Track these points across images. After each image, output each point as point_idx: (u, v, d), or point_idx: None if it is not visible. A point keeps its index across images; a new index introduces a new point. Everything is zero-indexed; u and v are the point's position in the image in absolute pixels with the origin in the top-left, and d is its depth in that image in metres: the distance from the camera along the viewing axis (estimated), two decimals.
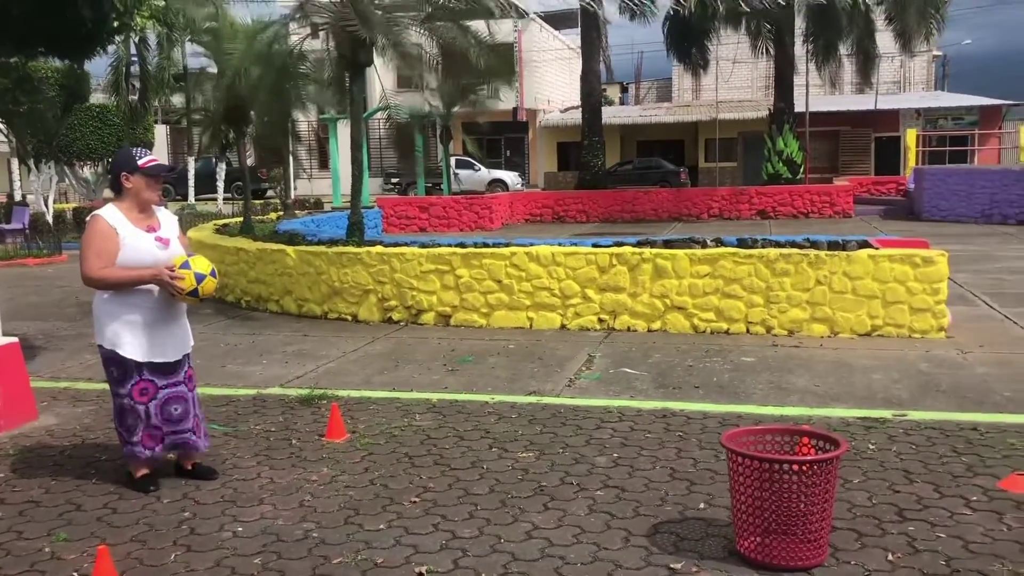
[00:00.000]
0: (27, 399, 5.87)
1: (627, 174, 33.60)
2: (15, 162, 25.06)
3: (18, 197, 24.83)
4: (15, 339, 5.90)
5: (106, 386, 6.67)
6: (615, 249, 9.01)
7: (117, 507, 4.29)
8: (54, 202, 24.35)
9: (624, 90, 57.21)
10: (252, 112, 14.32)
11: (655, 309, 8.72)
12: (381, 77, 16.73)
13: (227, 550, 3.77)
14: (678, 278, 8.67)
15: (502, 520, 4.04)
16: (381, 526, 3.99)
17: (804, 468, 3.42)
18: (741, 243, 9.14)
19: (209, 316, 9.80)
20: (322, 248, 10.04)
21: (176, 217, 4.72)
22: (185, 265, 4.35)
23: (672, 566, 3.54)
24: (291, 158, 22.85)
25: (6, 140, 24.21)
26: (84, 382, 6.99)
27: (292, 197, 24.21)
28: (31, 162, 23.23)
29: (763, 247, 8.84)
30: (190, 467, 4.67)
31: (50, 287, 13.20)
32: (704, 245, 9.08)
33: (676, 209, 23.01)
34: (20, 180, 25.52)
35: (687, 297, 8.64)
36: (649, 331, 8.67)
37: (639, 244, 9.50)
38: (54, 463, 4.97)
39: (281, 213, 20.85)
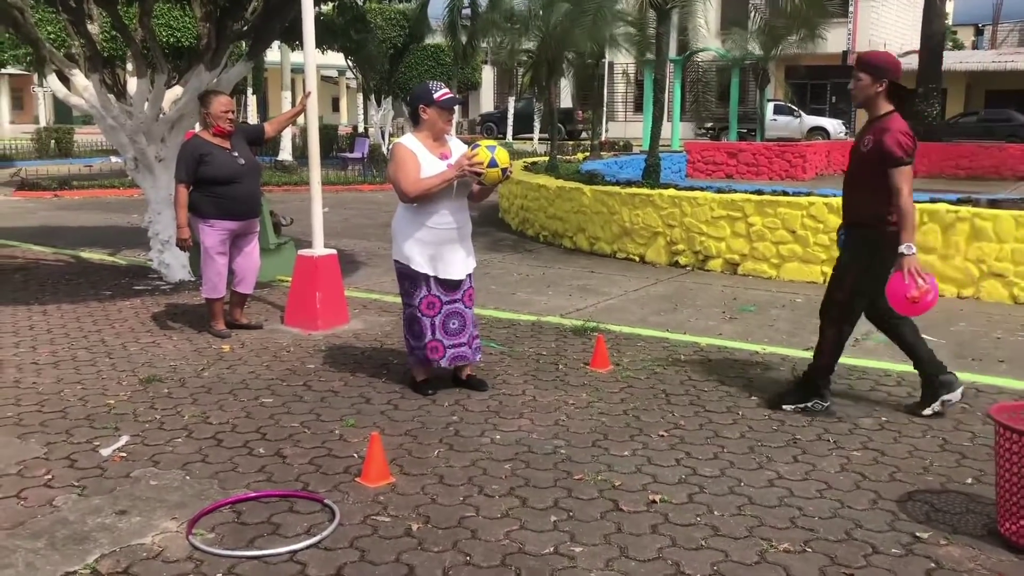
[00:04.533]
0: (341, 305, 6.68)
1: (969, 127, 30.21)
2: (361, 97, 27.79)
3: (361, 129, 27.58)
4: (334, 251, 6.69)
5: None
6: (928, 206, 8.29)
7: (398, 404, 4.82)
8: (390, 135, 26.78)
9: (979, 32, 51.33)
10: (564, 53, 14.69)
11: (968, 274, 7.96)
12: (704, 17, 16.43)
13: (483, 453, 4.12)
14: (999, 242, 7.83)
15: (746, 465, 4.01)
16: (625, 453, 4.14)
17: None
18: None
19: (508, 248, 10.42)
20: (616, 188, 10.23)
21: (465, 145, 5.08)
22: (475, 146, 4.74)
23: (919, 535, 3.34)
24: (604, 100, 23.20)
25: (355, 77, 26.89)
26: (392, 296, 7.75)
27: (603, 138, 24.63)
28: (372, 97, 25.62)
29: None
30: (464, 377, 5.11)
31: (378, 211, 14.65)
32: None
33: (1022, 168, 20.48)
34: (363, 113, 28.27)
35: (1008, 264, 7.79)
36: (959, 297, 7.94)
37: (958, 202, 8.66)
38: (354, 361, 5.65)
39: (587, 154, 21.32)
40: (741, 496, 3.68)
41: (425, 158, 4.78)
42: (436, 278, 4.85)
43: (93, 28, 8.03)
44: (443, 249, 4.85)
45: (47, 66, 7.94)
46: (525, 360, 5.70)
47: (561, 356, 5.79)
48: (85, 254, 9.89)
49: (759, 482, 3.83)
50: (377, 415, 4.64)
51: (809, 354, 5.88)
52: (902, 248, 4.26)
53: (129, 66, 8.47)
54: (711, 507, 3.57)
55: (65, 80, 8.39)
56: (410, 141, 4.85)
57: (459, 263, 4.92)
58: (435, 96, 4.79)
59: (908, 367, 5.61)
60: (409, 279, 4.89)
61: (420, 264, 4.82)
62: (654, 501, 3.61)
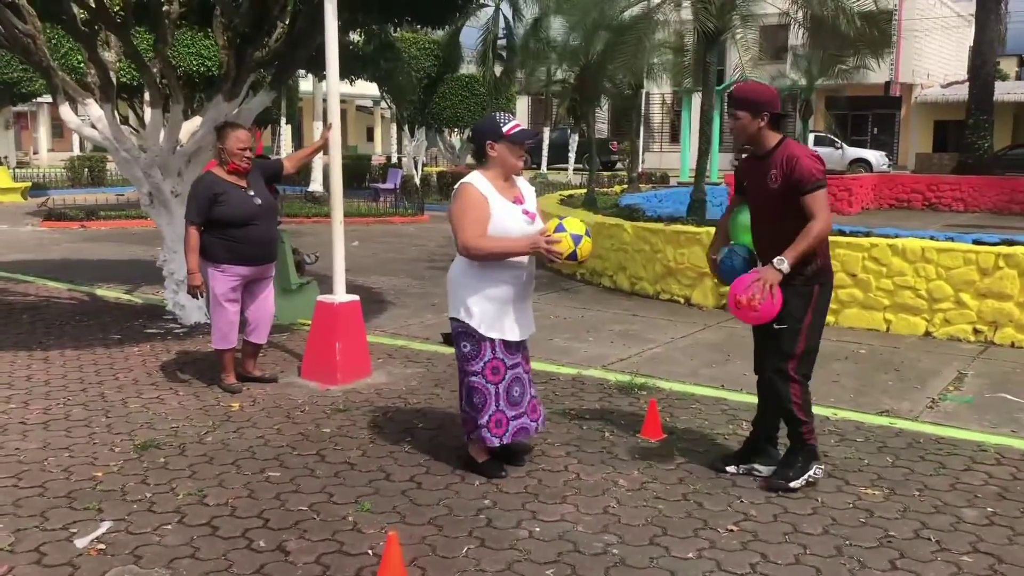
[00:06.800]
0: (363, 356, 6.10)
1: (1019, 159, 29.21)
2: (395, 127, 27.49)
3: (394, 160, 27.26)
4: (356, 298, 6.13)
5: (437, 348, 6.92)
6: (1003, 248, 7.58)
7: (423, 482, 4.21)
8: (423, 165, 26.43)
9: (1022, 63, 50.33)
10: (603, 82, 14.18)
11: None
12: (740, 47, 15.88)
13: (520, 552, 3.49)
14: None
15: (836, 573, 3.35)
16: (690, 554, 3.49)
17: None
18: None
19: (544, 287, 9.81)
20: (660, 225, 9.61)
21: (534, 189, 4.45)
22: (560, 228, 4.01)
23: None
24: (641, 130, 22.67)
25: (388, 107, 26.60)
26: (419, 342, 7.20)
27: (639, 170, 24.08)
28: (406, 127, 25.29)
29: None
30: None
31: (408, 245, 14.15)
32: None
33: None
34: (397, 143, 27.97)
35: None
36: None
37: None
38: (375, 424, 5.06)
39: (626, 186, 20.75)
40: None
41: (497, 203, 4.09)
42: (503, 340, 4.20)
43: (109, 55, 7.61)
44: (511, 306, 4.18)
45: (59, 95, 7.51)
46: (566, 426, 5.07)
47: (607, 420, 5.16)
48: (100, 291, 9.44)
49: None
50: (398, 496, 4.03)
51: (886, 420, 5.23)
52: (777, 261, 3.85)
53: (147, 96, 8.00)
54: None
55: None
56: (480, 182, 4.13)
57: (524, 322, 4.28)
58: (504, 130, 4.12)
59: (1005, 439, 4.94)
60: (470, 339, 4.19)
61: (486, 324, 4.13)
62: None
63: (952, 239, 8.20)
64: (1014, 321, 7.36)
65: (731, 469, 4.32)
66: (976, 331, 7.51)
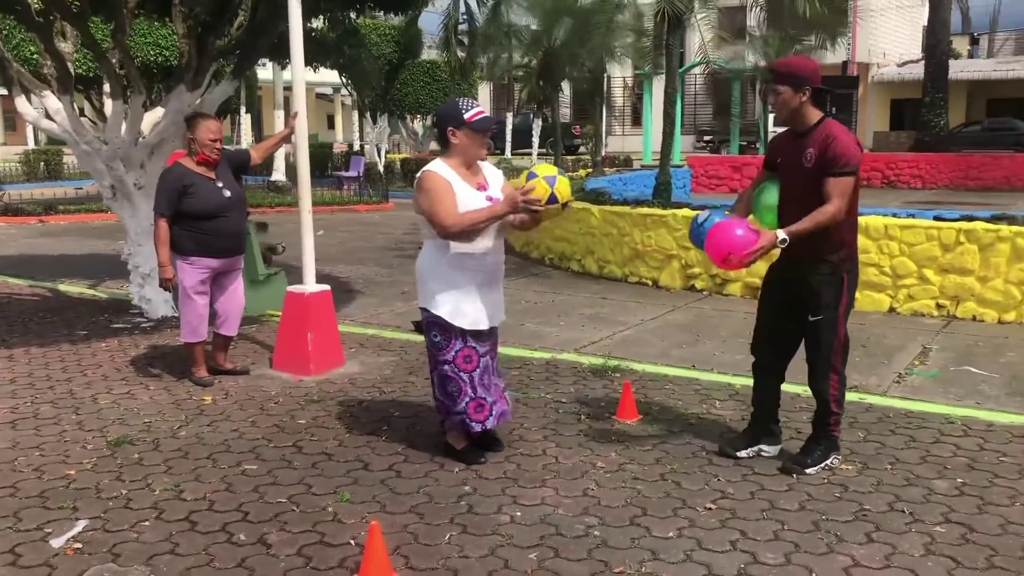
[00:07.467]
0: (335, 346, 6.07)
1: (973, 136, 29.67)
2: (356, 114, 27.25)
3: (356, 147, 27.05)
4: (327, 287, 6.09)
5: (409, 336, 6.89)
6: (964, 224, 7.73)
7: (401, 470, 4.20)
8: (386, 152, 26.24)
9: (975, 42, 51.02)
10: (566, 67, 14.17)
11: (1010, 297, 7.39)
12: (701, 29, 15.93)
13: (502, 537, 3.50)
14: None
15: (814, 548, 3.41)
16: (670, 533, 3.53)
17: None
18: None
19: (513, 272, 9.80)
20: (627, 208, 9.66)
21: (501, 172, 4.39)
22: (532, 175, 3.96)
23: None
24: (603, 114, 22.70)
25: (349, 94, 26.37)
26: (391, 331, 7.17)
27: (603, 154, 24.10)
28: (368, 114, 25.08)
29: None
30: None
31: (375, 233, 14.06)
32: None
33: None
34: (359, 131, 27.75)
35: None
36: (1000, 323, 7.38)
37: (994, 219, 8.10)
38: (351, 414, 5.04)
39: (590, 170, 20.80)
40: None
41: (461, 189, 4.05)
42: (473, 329, 4.15)
43: (66, 46, 7.45)
44: (480, 294, 4.15)
45: (15, 87, 7.34)
46: (543, 410, 5.08)
47: (582, 403, 5.18)
48: (63, 287, 9.28)
49: (833, 572, 3.22)
50: (377, 485, 4.02)
51: (856, 396, 5.30)
52: (781, 233, 3.83)
53: (106, 87, 7.85)
54: None
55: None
56: (442, 169, 4.09)
57: (494, 311, 4.25)
58: (466, 116, 4.06)
59: (970, 411, 5.04)
60: (441, 329, 4.16)
61: (456, 314, 4.10)
62: None
63: (914, 216, 8.33)
64: (975, 295, 7.51)
65: (742, 454, 4.29)
66: (939, 306, 7.65)
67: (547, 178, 3.93)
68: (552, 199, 3.91)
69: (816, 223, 3.82)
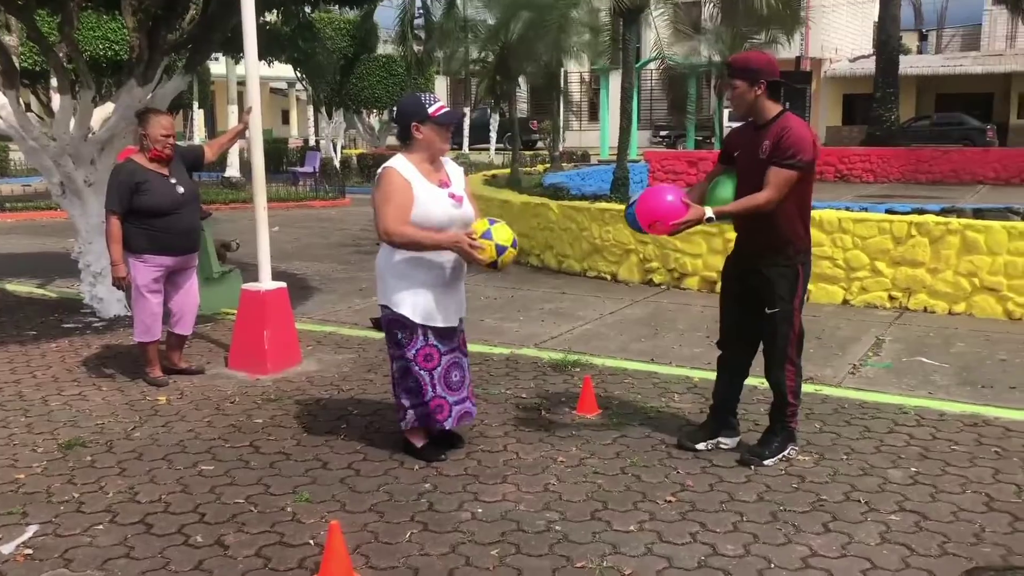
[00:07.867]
0: (292, 344, 6.00)
1: (922, 131, 30.23)
2: (311, 109, 26.98)
3: (312, 142, 26.78)
4: (283, 284, 6.02)
5: (367, 334, 6.85)
6: (915, 217, 7.87)
7: (361, 468, 4.17)
8: (343, 148, 26.02)
9: (923, 37, 51.99)
10: (523, 62, 14.17)
11: (960, 289, 7.54)
12: (657, 25, 16.03)
13: (464, 534, 3.49)
14: (991, 254, 7.42)
15: (772, 539, 3.44)
16: (631, 527, 3.54)
17: None
18: None
19: (472, 267, 9.79)
20: (585, 204, 9.68)
21: (462, 169, 4.36)
22: (487, 235, 3.94)
23: None
24: (560, 109, 22.74)
25: (304, 89, 26.09)
26: (349, 328, 7.11)
27: (560, 149, 24.18)
28: (323, 109, 24.84)
29: None
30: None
31: (331, 230, 13.94)
32: None
33: (980, 172, 20.43)
34: (314, 126, 27.48)
35: (1001, 277, 7.38)
36: (950, 314, 7.52)
37: (943, 212, 8.27)
38: (308, 413, 4.98)
39: (548, 165, 20.82)
40: None
41: (421, 187, 4.00)
42: (434, 327, 4.13)
43: (10, 39, 7.26)
44: (441, 292, 4.11)
45: None
46: (503, 405, 5.08)
47: (543, 399, 5.19)
48: (11, 286, 9.06)
49: (792, 562, 3.26)
50: (336, 484, 3.98)
51: (811, 388, 5.37)
52: (709, 211, 3.98)
53: (54, 82, 7.66)
54: None
55: None
56: (403, 166, 4.03)
57: (456, 307, 4.23)
58: (430, 110, 4.01)
59: (923, 401, 5.14)
60: (402, 327, 4.11)
61: (417, 312, 4.06)
62: None
63: (866, 209, 8.47)
64: (927, 287, 7.65)
65: (701, 446, 4.32)
66: (891, 298, 7.79)
67: (499, 246, 3.93)
68: (493, 265, 3.97)
69: (745, 208, 3.92)
